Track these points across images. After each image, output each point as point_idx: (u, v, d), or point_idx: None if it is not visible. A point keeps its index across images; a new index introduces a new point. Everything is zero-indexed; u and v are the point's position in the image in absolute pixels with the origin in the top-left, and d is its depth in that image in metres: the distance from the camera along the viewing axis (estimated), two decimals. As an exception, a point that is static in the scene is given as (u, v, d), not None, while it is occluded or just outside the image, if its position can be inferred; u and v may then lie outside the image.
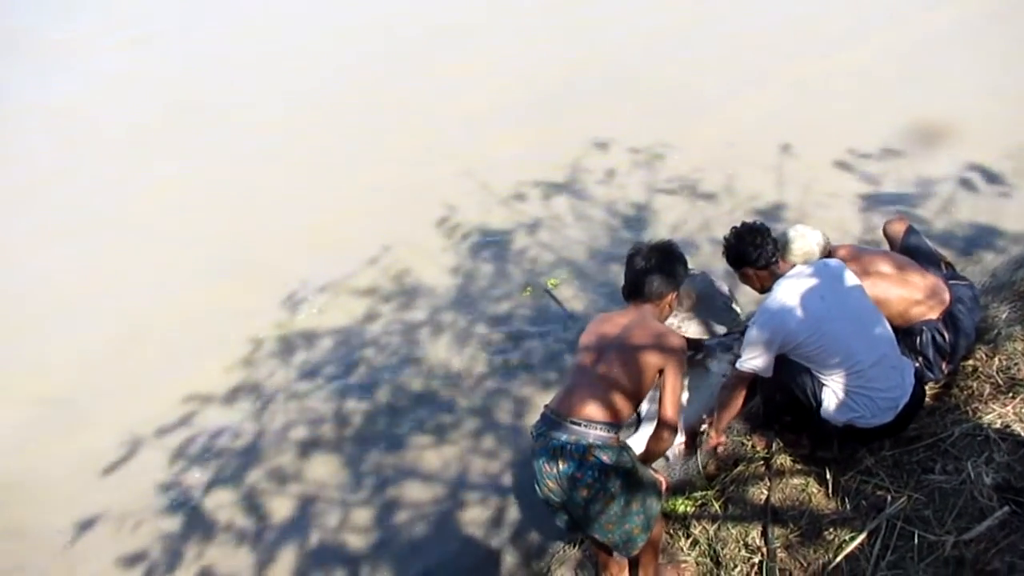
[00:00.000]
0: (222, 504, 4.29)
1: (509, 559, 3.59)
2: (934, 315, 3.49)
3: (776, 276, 3.24)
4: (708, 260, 5.57)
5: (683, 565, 3.15)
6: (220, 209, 7.93)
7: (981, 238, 5.32)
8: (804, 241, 3.54)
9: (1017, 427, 3.07)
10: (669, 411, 2.76)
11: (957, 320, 3.50)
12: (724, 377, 4.05)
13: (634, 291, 3.00)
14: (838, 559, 2.81)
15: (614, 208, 6.62)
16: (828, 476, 3.20)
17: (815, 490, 3.21)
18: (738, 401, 3.31)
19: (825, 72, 8.51)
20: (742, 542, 3.12)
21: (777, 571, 2.90)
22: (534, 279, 5.82)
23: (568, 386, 2.83)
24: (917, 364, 3.42)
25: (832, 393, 3.09)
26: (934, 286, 3.54)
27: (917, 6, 9.79)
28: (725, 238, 3.41)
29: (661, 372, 2.78)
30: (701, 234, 5.93)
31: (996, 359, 3.59)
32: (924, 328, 3.47)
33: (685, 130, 7.70)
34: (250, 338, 5.73)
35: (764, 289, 3.35)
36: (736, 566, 3.04)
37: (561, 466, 2.63)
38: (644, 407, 3.92)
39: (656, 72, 9.52)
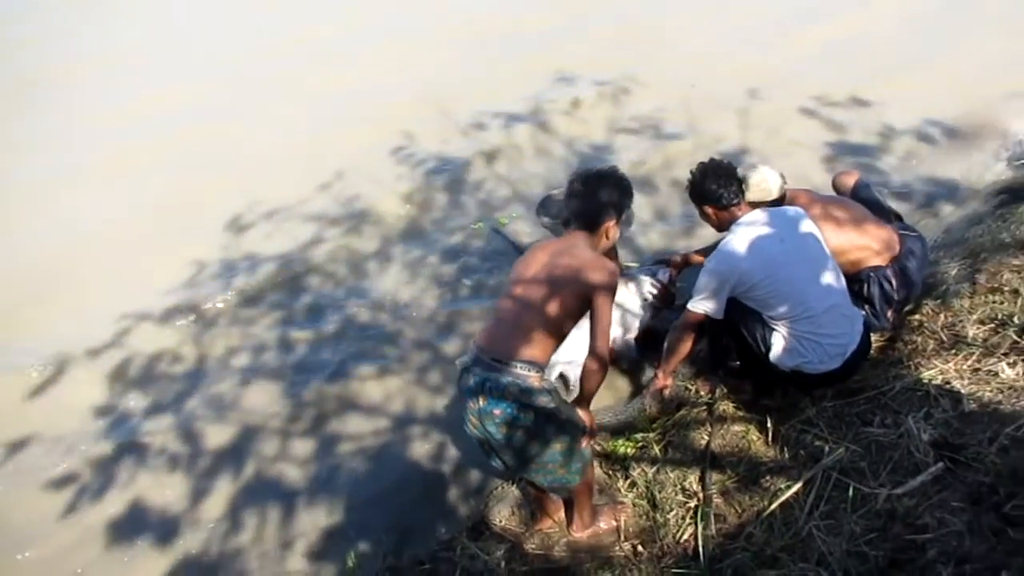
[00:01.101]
0: (157, 429, 4.16)
1: (448, 496, 3.55)
2: (883, 263, 3.49)
3: (735, 218, 3.19)
4: (666, 200, 5.50)
5: (620, 506, 3.15)
6: (169, 129, 7.66)
7: (940, 192, 5.31)
8: (762, 180, 3.49)
9: (957, 384, 3.08)
10: (599, 343, 2.61)
11: (906, 270, 3.51)
12: (646, 303, 4.06)
13: (572, 218, 2.83)
14: (773, 507, 2.82)
15: (575, 143, 6.49)
16: (769, 424, 3.21)
17: (755, 437, 3.22)
18: (687, 344, 3.29)
19: (795, 14, 8.39)
20: (680, 486, 3.12)
21: (712, 516, 2.90)
22: (489, 213, 5.69)
23: (494, 321, 2.71)
24: (864, 312, 3.43)
25: (781, 338, 3.07)
26: (888, 237, 3.55)
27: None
28: (692, 172, 3.34)
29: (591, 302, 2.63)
30: (662, 173, 5.84)
31: (942, 315, 3.61)
32: (872, 275, 3.48)
33: (653, 67, 7.56)
34: (193, 260, 5.55)
35: (722, 229, 3.30)
36: (672, 509, 3.04)
37: (482, 403, 2.56)
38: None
39: (628, 6, 9.32)
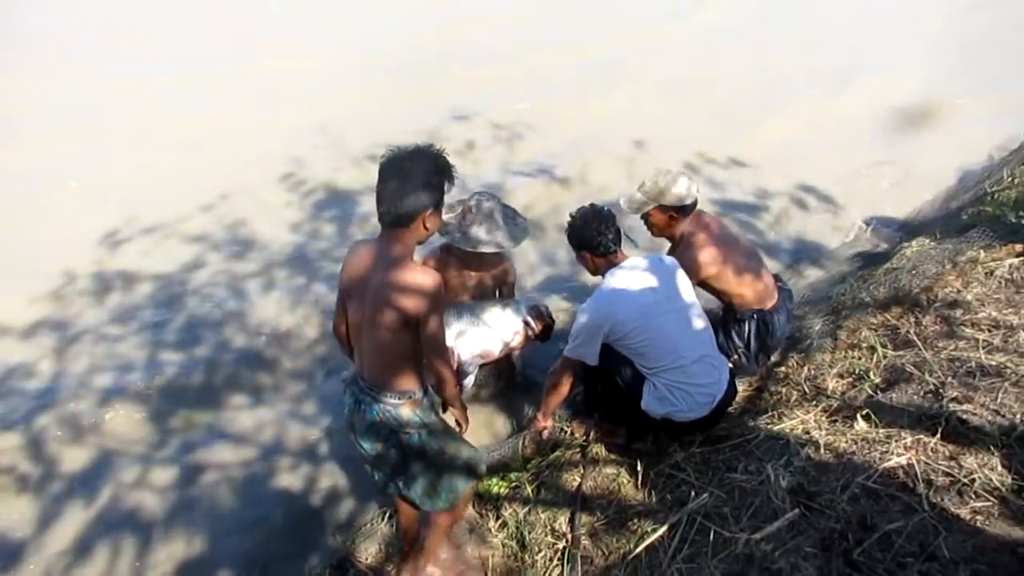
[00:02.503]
0: (5, 447, 3.89)
1: (314, 530, 3.44)
2: (765, 308, 3.65)
3: (612, 265, 3.25)
4: (554, 244, 5.60)
5: (478, 552, 3.13)
6: (57, 132, 7.33)
7: (805, 253, 5.61)
8: (677, 186, 3.50)
9: (816, 434, 3.22)
10: (437, 364, 2.49)
11: (777, 319, 3.68)
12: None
13: (379, 215, 2.41)
14: (638, 550, 2.86)
15: (468, 182, 6.52)
16: (639, 468, 3.26)
17: (625, 480, 3.27)
18: (565, 387, 3.34)
19: (685, 75, 8.78)
20: (550, 527, 3.13)
21: (579, 558, 2.92)
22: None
23: (359, 347, 2.56)
24: (737, 355, 3.57)
25: (653, 386, 3.15)
26: (771, 285, 3.71)
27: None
28: (571, 216, 3.37)
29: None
30: (550, 218, 5.95)
31: (805, 368, 3.79)
32: (755, 316, 3.63)
33: (546, 114, 7.72)
34: (62, 271, 5.30)
35: (597, 274, 3.35)
36: (541, 550, 3.04)
37: (357, 422, 2.57)
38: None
39: (523, 52, 9.55)
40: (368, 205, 6.19)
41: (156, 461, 3.80)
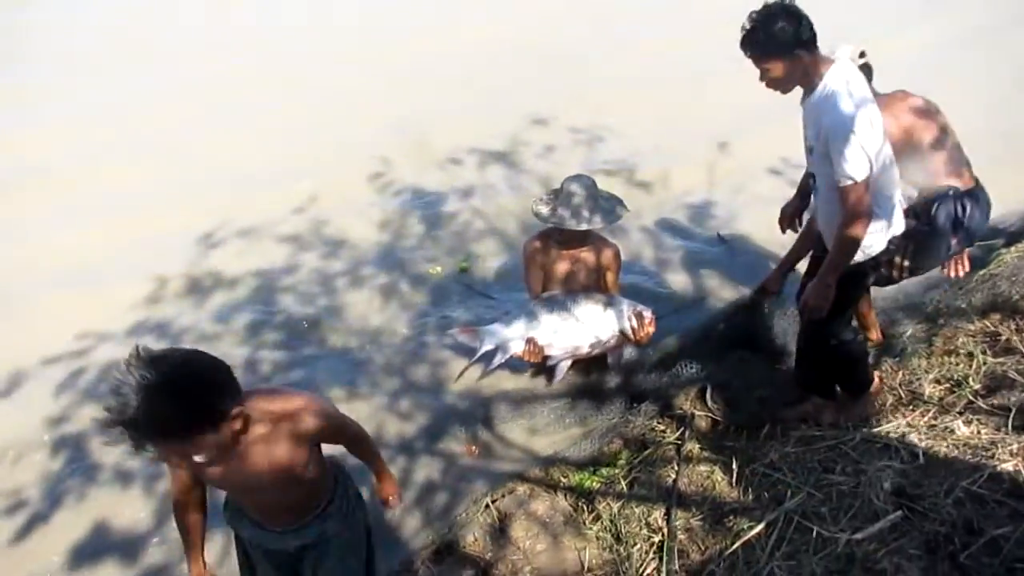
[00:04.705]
0: (115, 443, 4.09)
1: (410, 518, 3.55)
2: (959, 184, 3.53)
3: (819, 72, 2.89)
4: (637, 247, 5.63)
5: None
6: (145, 142, 7.66)
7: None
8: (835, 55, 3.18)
9: (914, 438, 3.21)
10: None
11: (978, 201, 3.55)
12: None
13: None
14: (735, 546, 2.90)
15: (549, 183, 6.61)
16: (734, 466, 3.29)
17: (720, 478, 3.30)
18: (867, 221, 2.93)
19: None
20: (645, 521, 3.18)
21: (676, 551, 2.97)
22: (463, 246, 5.76)
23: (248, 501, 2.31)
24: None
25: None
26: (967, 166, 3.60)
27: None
28: (764, 17, 2.84)
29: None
30: (632, 220, 5.96)
31: (900, 373, 3.77)
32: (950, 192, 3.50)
33: (626, 117, 7.74)
34: (159, 276, 5.51)
35: (809, 85, 2.94)
36: (636, 543, 3.09)
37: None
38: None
39: (602, 55, 9.59)
40: (451, 206, 6.34)
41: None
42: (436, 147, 7.22)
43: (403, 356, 4.65)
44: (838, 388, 3.53)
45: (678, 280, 5.29)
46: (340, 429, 2.36)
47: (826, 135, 2.80)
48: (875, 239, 3.02)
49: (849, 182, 2.77)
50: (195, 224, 6.10)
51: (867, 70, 3.44)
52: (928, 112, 3.57)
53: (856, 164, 2.74)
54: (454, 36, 10.68)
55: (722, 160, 6.94)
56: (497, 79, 8.90)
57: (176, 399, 1.70)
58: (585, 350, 4.08)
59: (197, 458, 1.84)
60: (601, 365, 4.30)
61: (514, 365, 4.28)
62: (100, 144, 7.65)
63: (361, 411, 4.19)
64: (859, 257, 3.00)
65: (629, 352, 4.24)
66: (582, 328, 3.97)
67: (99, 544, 3.53)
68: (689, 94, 8.22)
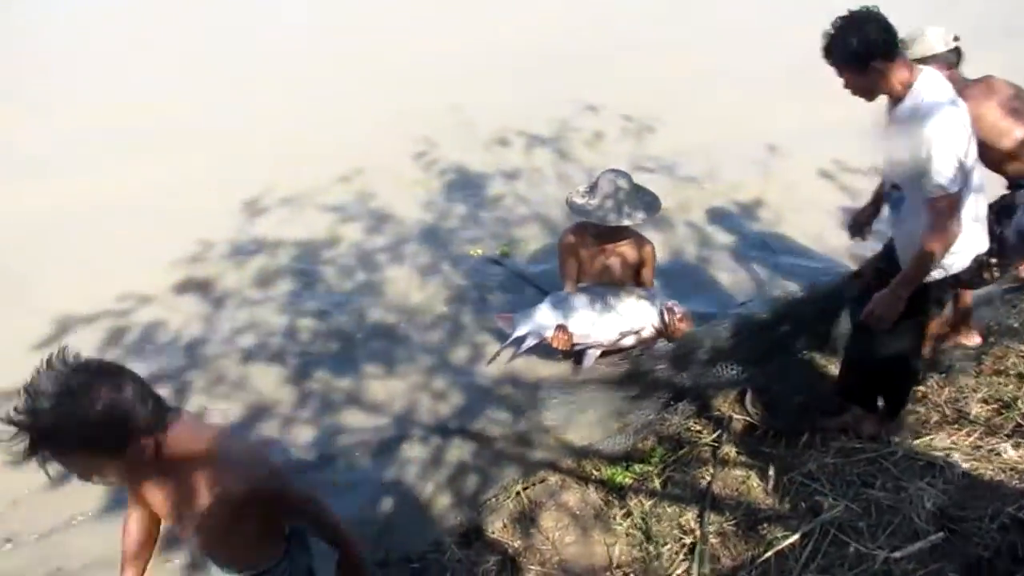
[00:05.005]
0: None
1: (440, 499, 3.55)
2: None
3: (908, 80, 2.80)
4: (682, 242, 5.57)
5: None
6: (196, 104, 7.73)
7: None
8: (923, 34, 3.16)
9: (958, 458, 3.14)
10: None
11: None
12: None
13: None
14: (768, 554, 2.86)
15: (594, 172, 6.54)
16: (771, 473, 3.25)
17: (755, 484, 3.26)
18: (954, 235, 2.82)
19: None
20: (677, 521, 3.15)
21: (707, 554, 2.94)
22: (504, 230, 5.74)
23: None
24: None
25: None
26: None
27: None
28: (842, 26, 2.80)
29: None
30: (678, 215, 5.91)
31: (946, 390, 3.69)
32: None
33: (678, 110, 7.65)
34: (203, 238, 5.60)
35: (895, 95, 2.86)
36: (667, 543, 3.07)
37: None
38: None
39: (657, 49, 9.47)
40: (496, 188, 6.32)
41: (296, 420, 3.99)
42: (484, 128, 7.21)
43: (440, 335, 4.65)
44: (880, 401, 3.46)
45: (721, 279, 5.22)
46: (281, 503, 2.00)
47: (918, 147, 2.72)
48: (958, 258, 2.93)
49: (940, 193, 2.69)
50: (241, 190, 6.16)
51: (957, 54, 3.38)
52: (1019, 98, 3.45)
53: (949, 176, 2.66)
54: (509, 20, 10.66)
55: (772, 161, 6.84)
56: (549, 64, 8.85)
57: (80, 415, 1.55)
58: (615, 341, 4.07)
59: (97, 479, 1.70)
60: (633, 357, 4.28)
61: (545, 351, 4.26)
62: (146, 109, 7.73)
63: (396, 388, 4.23)
64: (939, 274, 2.92)
65: (660, 346, 4.23)
66: (613, 319, 3.97)
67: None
68: (741, 94, 8.10)
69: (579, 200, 4.03)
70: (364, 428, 3.94)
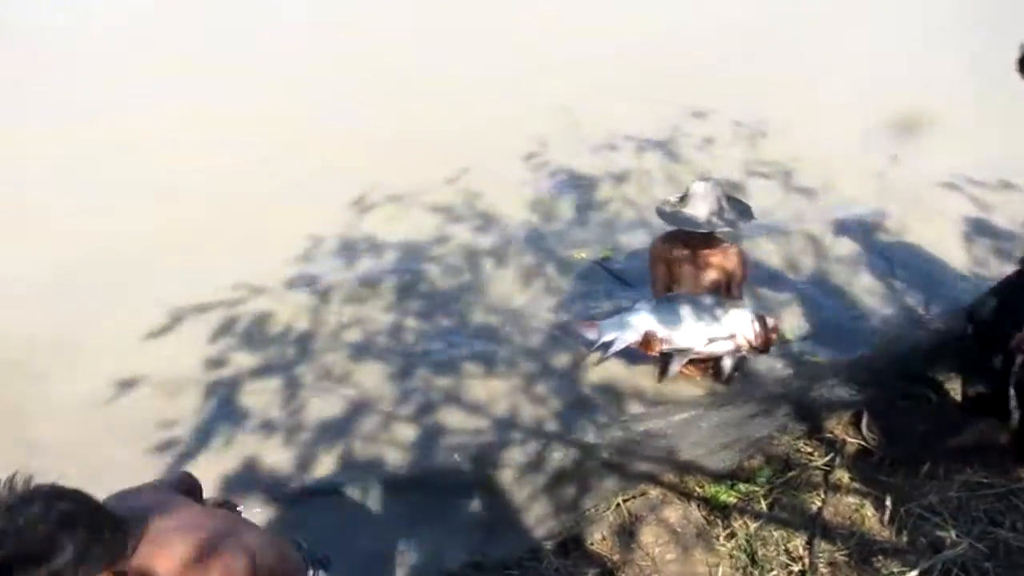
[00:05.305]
0: (263, 390, 4.26)
1: (539, 507, 3.52)
2: None
3: None
4: (796, 254, 5.37)
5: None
6: (304, 104, 7.95)
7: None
8: None
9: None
10: None
11: None
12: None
13: None
14: (883, 589, 2.72)
15: (706, 176, 6.42)
16: (888, 503, 3.08)
17: (870, 514, 3.10)
18: None
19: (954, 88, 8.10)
20: (784, 547, 3.03)
21: (817, 585, 2.82)
22: (612, 234, 5.66)
23: None
24: None
25: None
26: None
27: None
28: None
29: None
30: (792, 224, 5.71)
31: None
32: None
33: (790, 118, 7.38)
34: (312, 234, 5.71)
35: None
36: (773, 569, 2.96)
37: None
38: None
39: (775, 53, 9.20)
40: (603, 191, 6.25)
41: (397, 418, 4.03)
42: (592, 131, 7.13)
43: (542, 340, 4.62)
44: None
45: (835, 294, 5.02)
46: None
47: None
48: None
49: None
50: (349, 188, 6.27)
51: None
52: None
53: None
54: (620, 22, 10.56)
55: (892, 171, 6.54)
56: (659, 66, 8.69)
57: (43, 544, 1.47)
58: (702, 349, 3.94)
59: None
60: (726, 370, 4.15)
61: (630, 356, 4.18)
62: (256, 103, 7.99)
63: (497, 389, 4.22)
64: None
65: (748, 358, 4.12)
66: (702, 326, 3.85)
67: (240, 486, 3.68)
68: (859, 100, 7.76)
69: (670, 208, 3.96)
70: (463, 430, 3.94)
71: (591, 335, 4.02)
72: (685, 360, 4.06)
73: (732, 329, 3.89)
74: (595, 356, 4.23)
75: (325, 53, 9.64)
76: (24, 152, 7.10)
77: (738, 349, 3.96)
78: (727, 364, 4.08)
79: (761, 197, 6.05)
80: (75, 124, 7.66)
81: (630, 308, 4.04)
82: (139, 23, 11.33)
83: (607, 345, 4.01)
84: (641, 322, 3.91)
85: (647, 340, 3.86)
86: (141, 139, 7.21)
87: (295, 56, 9.53)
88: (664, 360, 4.13)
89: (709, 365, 4.20)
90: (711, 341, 3.89)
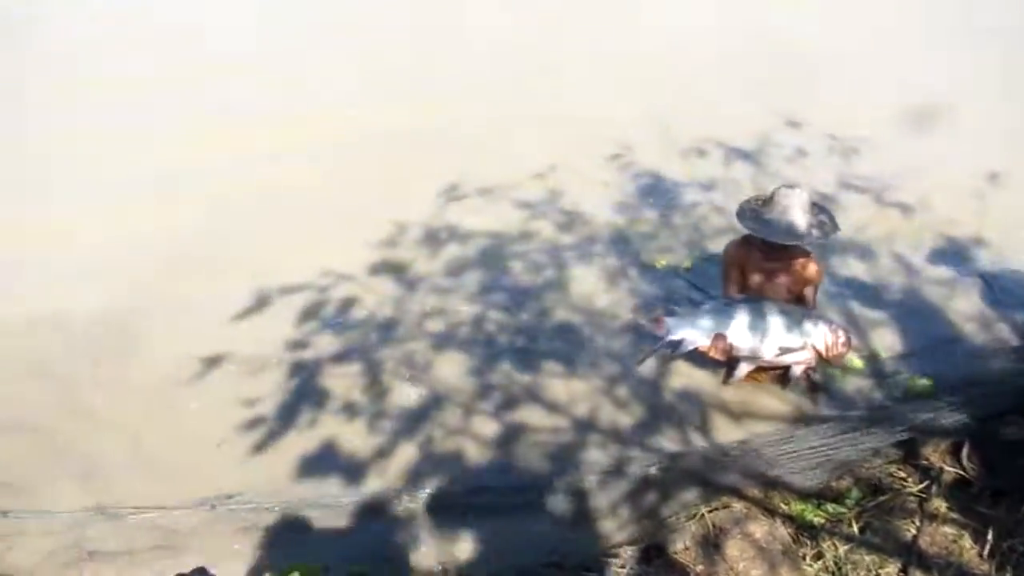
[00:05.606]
0: (346, 373, 4.32)
1: (621, 512, 3.48)
2: None
3: None
4: (886, 275, 5.21)
5: None
6: (401, 94, 8.05)
7: None
8: None
9: None
10: None
11: None
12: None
13: None
14: (982, 626, 2.61)
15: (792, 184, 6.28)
16: (988, 537, 2.96)
17: (968, 546, 2.99)
18: None
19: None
20: (875, 572, 2.95)
21: (911, 615, 2.72)
22: (698, 240, 5.58)
23: None
24: None
25: None
26: None
27: None
28: None
29: None
30: (883, 244, 5.54)
31: None
32: None
33: (886, 132, 7.17)
34: (400, 222, 5.76)
35: None
36: (863, 595, 2.87)
37: None
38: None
39: (871, 67, 8.96)
40: (690, 198, 6.16)
41: (477, 412, 4.04)
42: (682, 136, 7.02)
43: (624, 343, 4.57)
44: None
45: (928, 315, 4.85)
46: None
47: None
48: None
49: None
50: (437, 178, 6.31)
51: None
52: None
53: None
54: (713, 28, 10.42)
55: (992, 192, 6.28)
56: (753, 74, 8.54)
57: None
58: (770, 357, 3.82)
59: None
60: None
61: (696, 358, 4.12)
62: (353, 95, 8.10)
63: (577, 390, 4.20)
64: None
65: (817, 370, 4.07)
66: (771, 334, 3.74)
67: (322, 467, 3.74)
68: (959, 118, 7.48)
69: (752, 212, 3.84)
70: (543, 428, 3.93)
71: (658, 332, 3.93)
72: (753, 367, 3.99)
73: (804, 339, 3.79)
74: (659, 354, 4.08)
75: (432, 51, 9.72)
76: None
77: (809, 360, 3.86)
78: (796, 371, 3.99)
79: (854, 213, 5.92)
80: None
81: (701, 308, 3.93)
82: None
83: (674, 345, 3.91)
84: (712, 324, 3.82)
85: (718, 344, 3.77)
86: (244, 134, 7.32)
87: (380, 44, 9.63)
88: (730, 364, 4.05)
89: (778, 371, 4.11)
90: (783, 351, 3.79)
